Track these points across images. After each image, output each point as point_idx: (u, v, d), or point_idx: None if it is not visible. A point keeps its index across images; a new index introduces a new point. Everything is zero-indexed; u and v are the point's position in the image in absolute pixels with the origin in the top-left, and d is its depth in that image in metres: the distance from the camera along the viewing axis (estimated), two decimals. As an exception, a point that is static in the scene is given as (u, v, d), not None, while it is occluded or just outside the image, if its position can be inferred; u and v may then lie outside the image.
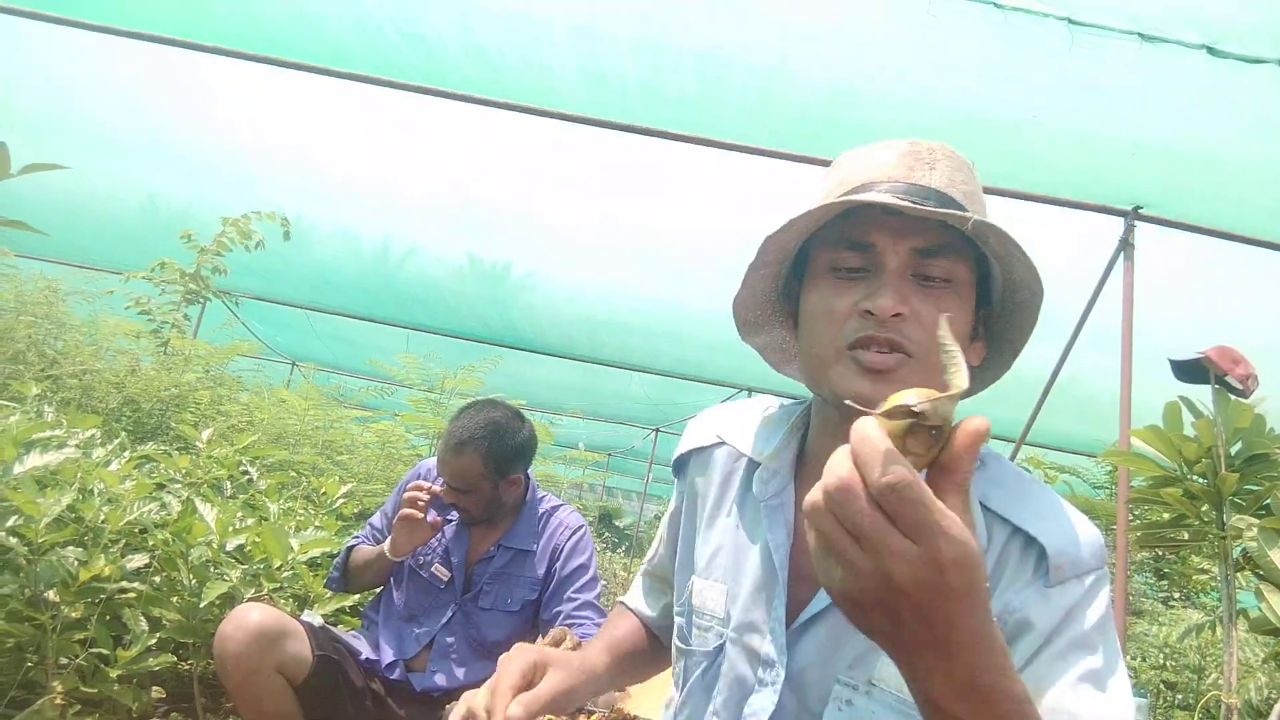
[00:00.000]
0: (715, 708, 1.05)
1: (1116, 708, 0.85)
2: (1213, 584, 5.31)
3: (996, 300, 1.05)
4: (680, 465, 1.26)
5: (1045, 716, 0.82)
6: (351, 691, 2.27)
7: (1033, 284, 0.98)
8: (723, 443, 1.20)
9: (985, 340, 1.07)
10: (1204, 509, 3.03)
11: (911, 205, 0.92)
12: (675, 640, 1.17)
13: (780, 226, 0.98)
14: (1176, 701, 4.21)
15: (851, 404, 0.71)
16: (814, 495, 0.63)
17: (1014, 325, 1.04)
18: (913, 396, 0.64)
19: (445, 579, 2.52)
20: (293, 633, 2.14)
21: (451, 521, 2.59)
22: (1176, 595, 5.81)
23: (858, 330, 0.95)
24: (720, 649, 1.07)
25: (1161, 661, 4.30)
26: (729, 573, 1.11)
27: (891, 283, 0.94)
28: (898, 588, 0.60)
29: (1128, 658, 3.93)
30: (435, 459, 2.64)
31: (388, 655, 2.45)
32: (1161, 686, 4.24)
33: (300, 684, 2.13)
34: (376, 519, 2.79)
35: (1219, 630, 4.02)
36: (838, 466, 0.62)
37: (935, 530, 0.59)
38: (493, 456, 2.44)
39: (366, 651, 2.44)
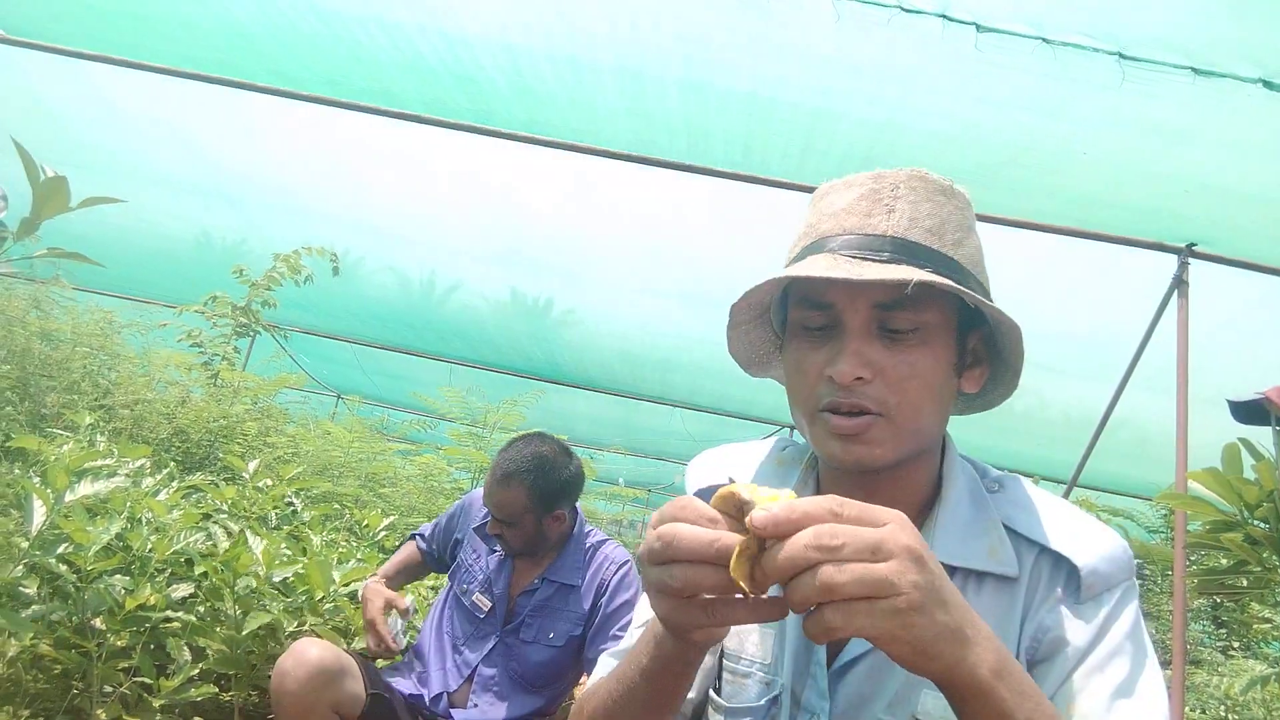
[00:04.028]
0: None
1: (1148, 710, 0.87)
2: (1275, 633, 5.11)
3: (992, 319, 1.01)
4: None
5: None
6: None
7: (1001, 322, 0.95)
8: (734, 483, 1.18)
9: (988, 361, 1.04)
10: (1266, 555, 2.92)
11: (848, 272, 0.89)
12: (710, 694, 1.10)
13: (740, 297, 1.00)
14: (1239, 757, 4.04)
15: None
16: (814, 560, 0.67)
17: (1008, 343, 1.00)
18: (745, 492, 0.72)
19: (486, 609, 2.51)
20: (350, 671, 2.14)
21: (496, 552, 2.59)
22: (1236, 644, 5.60)
23: (826, 395, 0.95)
24: (774, 701, 1.02)
25: (1223, 715, 4.13)
26: None
27: (851, 345, 0.93)
28: (919, 554, 0.67)
29: (1187, 709, 3.78)
30: (481, 490, 2.66)
31: (435, 687, 2.44)
32: (1223, 741, 4.08)
33: None
34: (427, 528, 2.81)
35: (1284, 683, 3.87)
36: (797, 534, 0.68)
37: (877, 514, 0.69)
38: (538, 491, 2.43)
39: (410, 688, 2.43)
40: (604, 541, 2.65)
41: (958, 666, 0.70)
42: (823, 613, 0.66)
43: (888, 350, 0.94)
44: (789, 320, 1.03)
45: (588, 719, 1.00)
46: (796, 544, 0.66)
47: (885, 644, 0.67)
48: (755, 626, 1.06)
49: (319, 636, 2.65)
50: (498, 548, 2.58)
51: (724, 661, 1.08)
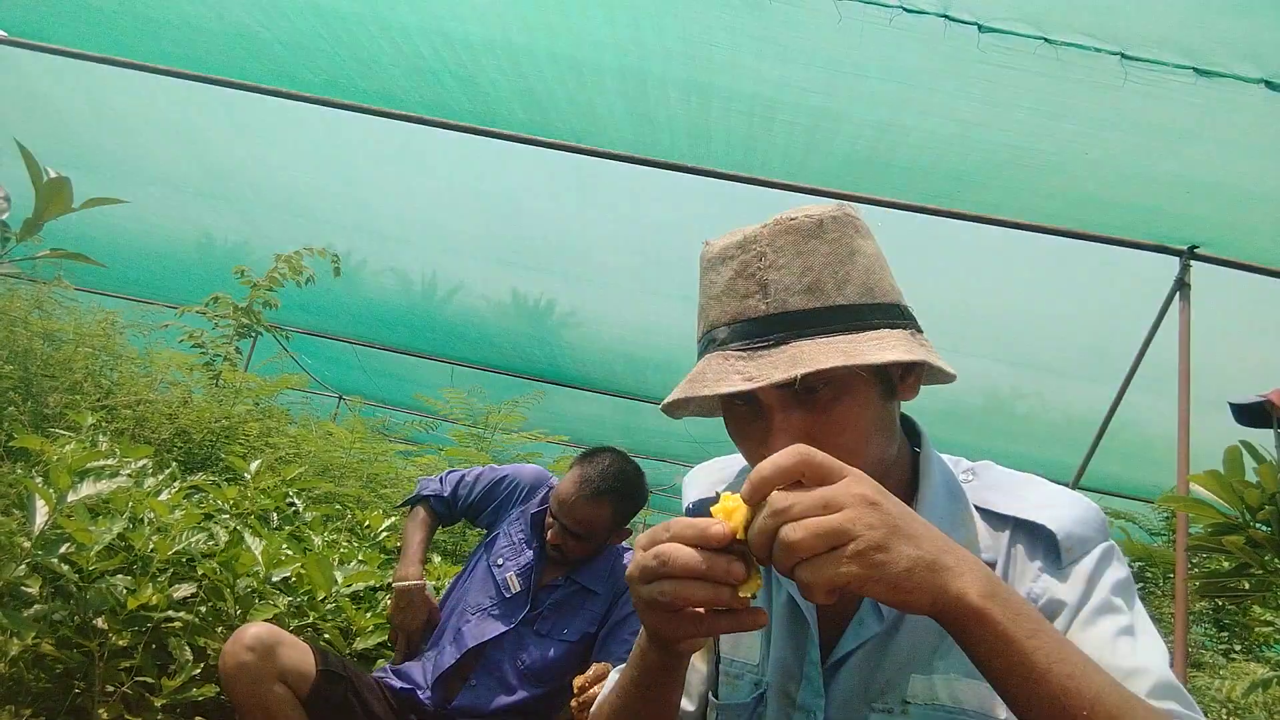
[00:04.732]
0: None
1: (1152, 653, 0.89)
2: (1276, 636, 5.10)
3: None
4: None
5: None
6: (367, 714, 2.27)
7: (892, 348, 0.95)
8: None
9: (918, 364, 1.03)
10: (1268, 558, 2.92)
11: (736, 384, 0.91)
12: (709, 697, 1.15)
13: (661, 405, 1.03)
14: (1241, 760, 4.03)
15: None
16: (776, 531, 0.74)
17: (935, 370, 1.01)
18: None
19: (514, 590, 2.52)
20: (291, 644, 2.17)
21: (535, 546, 2.59)
22: (1238, 648, 5.58)
23: None
24: (760, 699, 1.06)
25: (1225, 718, 4.13)
26: None
27: (775, 425, 0.95)
28: (875, 499, 0.73)
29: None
30: (537, 473, 2.77)
31: (442, 666, 2.44)
32: (1226, 744, 4.07)
33: (306, 697, 2.14)
34: (446, 489, 2.82)
35: (1287, 685, 3.86)
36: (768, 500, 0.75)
37: (832, 472, 0.75)
38: (622, 513, 2.48)
39: (400, 683, 2.44)
40: (628, 550, 2.66)
41: (943, 595, 0.73)
42: (796, 574, 0.72)
43: (811, 413, 0.95)
44: (722, 399, 1.04)
45: None
46: (759, 518, 0.74)
47: (863, 588, 0.72)
48: (747, 634, 1.10)
49: (321, 635, 2.66)
50: (535, 542, 2.59)
51: (720, 665, 1.12)
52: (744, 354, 0.95)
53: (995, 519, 1.01)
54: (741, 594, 0.77)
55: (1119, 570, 0.96)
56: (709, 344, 1.00)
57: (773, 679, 1.04)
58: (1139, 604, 0.96)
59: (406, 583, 2.62)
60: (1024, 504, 1.00)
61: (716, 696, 1.11)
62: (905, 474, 1.07)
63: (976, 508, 1.03)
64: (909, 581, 0.72)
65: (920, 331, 1.02)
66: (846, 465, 0.76)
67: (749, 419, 1.00)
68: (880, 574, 0.71)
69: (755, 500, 0.76)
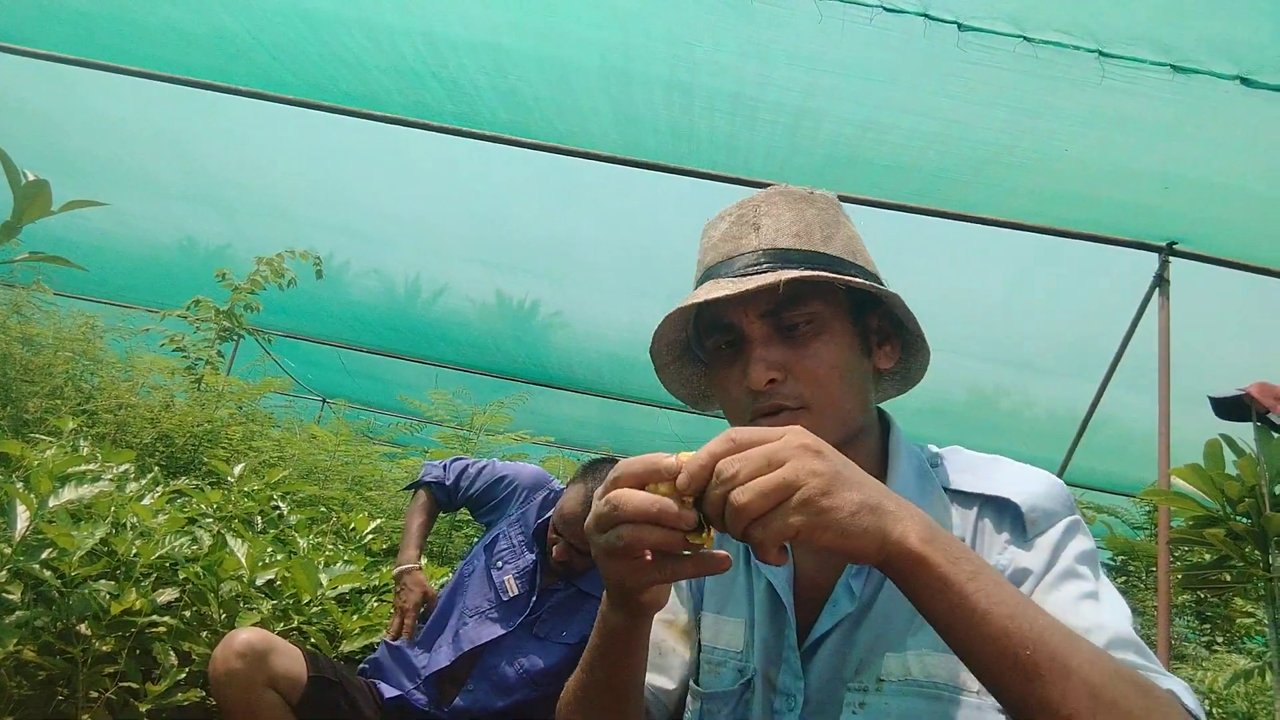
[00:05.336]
0: None
1: (1114, 614, 0.92)
2: (1258, 627, 5.15)
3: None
4: None
5: None
6: (359, 719, 2.26)
7: (881, 294, 1.02)
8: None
9: (896, 337, 1.11)
10: (1248, 550, 2.96)
11: (725, 289, 0.97)
12: (690, 684, 1.16)
13: (652, 340, 1.12)
14: (1224, 751, 4.07)
15: None
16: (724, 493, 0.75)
17: (903, 313, 1.06)
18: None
19: (512, 594, 2.52)
20: (283, 651, 2.17)
21: (535, 553, 2.59)
22: (1220, 639, 5.64)
23: (751, 405, 1.02)
24: (748, 685, 1.07)
25: (1208, 709, 4.16)
26: (742, 608, 1.12)
27: (755, 353, 1.01)
28: (815, 449, 0.75)
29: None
30: (540, 475, 2.80)
31: (437, 665, 2.44)
32: (1208, 734, 4.11)
33: (297, 704, 2.14)
34: (449, 476, 2.84)
35: (1268, 677, 3.90)
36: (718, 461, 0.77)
37: (771, 431, 0.77)
38: None
39: (392, 690, 2.43)
40: None
41: (886, 540, 0.74)
42: (749, 535, 0.74)
43: (790, 348, 1.01)
44: (707, 351, 1.11)
45: (561, 707, 1.06)
46: (710, 490, 0.75)
47: (812, 537, 0.73)
48: (728, 620, 1.13)
49: (307, 638, 2.65)
50: (536, 548, 2.59)
51: (702, 653, 1.14)
52: (732, 279, 1.02)
53: (963, 498, 1.05)
54: (693, 541, 0.78)
55: (1084, 542, 0.99)
56: (703, 282, 1.08)
57: (759, 665, 1.06)
58: (1104, 575, 0.99)
59: (403, 566, 2.68)
60: (990, 481, 1.04)
61: (699, 684, 1.12)
62: (876, 455, 1.11)
63: (945, 489, 1.06)
64: (855, 525, 0.73)
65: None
66: (778, 428, 0.78)
67: (732, 359, 1.05)
68: (826, 520, 0.73)
69: (694, 489, 0.76)
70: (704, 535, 0.78)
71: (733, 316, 1.03)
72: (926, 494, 1.05)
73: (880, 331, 1.09)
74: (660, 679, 1.15)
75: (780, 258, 1.02)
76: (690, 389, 1.23)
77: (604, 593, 0.94)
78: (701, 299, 0.98)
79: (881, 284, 1.04)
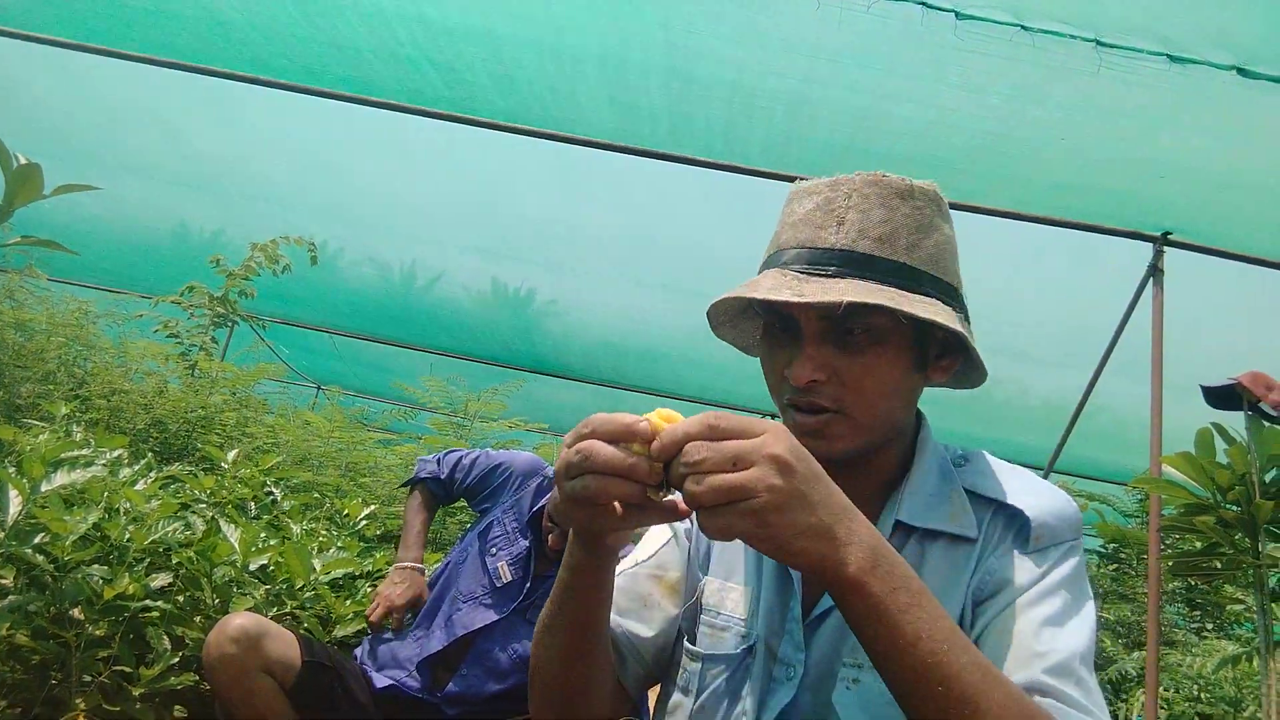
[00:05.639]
0: (745, 709, 1.06)
1: (1069, 642, 0.93)
2: (1247, 614, 5.18)
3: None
4: None
5: (1014, 655, 0.93)
6: (352, 703, 2.27)
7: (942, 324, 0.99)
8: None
9: (959, 351, 1.09)
10: (1238, 537, 2.97)
11: (787, 295, 0.95)
12: (685, 644, 1.16)
13: (710, 305, 1.10)
14: (1212, 736, 4.10)
15: None
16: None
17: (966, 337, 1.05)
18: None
19: (505, 581, 2.52)
20: (276, 635, 2.18)
21: (529, 539, 2.60)
22: (1210, 626, 5.68)
23: (788, 392, 1.03)
24: (749, 651, 1.08)
25: (1196, 694, 4.20)
26: (750, 576, 1.13)
27: (806, 350, 1.00)
28: (785, 462, 0.75)
29: (1160, 689, 3.84)
30: (534, 462, 2.79)
31: (430, 650, 2.45)
32: (1196, 719, 4.14)
33: (292, 688, 2.14)
34: (443, 470, 2.85)
35: (1255, 662, 3.93)
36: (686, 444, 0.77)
37: (753, 427, 0.77)
38: None
39: (384, 679, 2.44)
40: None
41: (824, 563, 0.77)
42: (699, 516, 0.77)
43: (842, 352, 1.00)
44: (763, 320, 1.10)
45: (534, 645, 1.09)
46: (675, 464, 0.77)
47: (751, 541, 0.77)
48: (733, 587, 1.14)
49: (300, 623, 2.65)
50: (530, 534, 2.60)
51: (702, 615, 1.14)
52: (801, 276, 0.99)
53: (980, 501, 1.06)
54: (652, 497, 0.81)
55: (1075, 565, 1.01)
56: (771, 262, 1.06)
57: (762, 633, 1.08)
58: (1085, 589, 1.01)
59: (406, 564, 2.68)
60: (1009, 490, 1.05)
61: (696, 645, 1.13)
62: (902, 454, 1.11)
63: (964, 489, 1.07)
64: (794, 546, 0.76)
65: (969, 322, 1.07)
66: (764, 421, 0.79)
67: (782, 344, 1.04)
68: (768, 533, 0.75)
69: (663, 459, 0.78)
70: (664, 493, 0.81)
71: (791, 308, 1.01)
72: (945, 491, 1.07)
73: (945, 344, 1.08)
74: (639, 626, 1.16)
75: (855, 264, 0.99)
76: (746, 339, 1.23)
77: (570, 531, 0.96)
78: (761, 295, 0.97)
79: (958, 299, 1.05)
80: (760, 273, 1.07)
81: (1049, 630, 0.94)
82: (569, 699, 1.09)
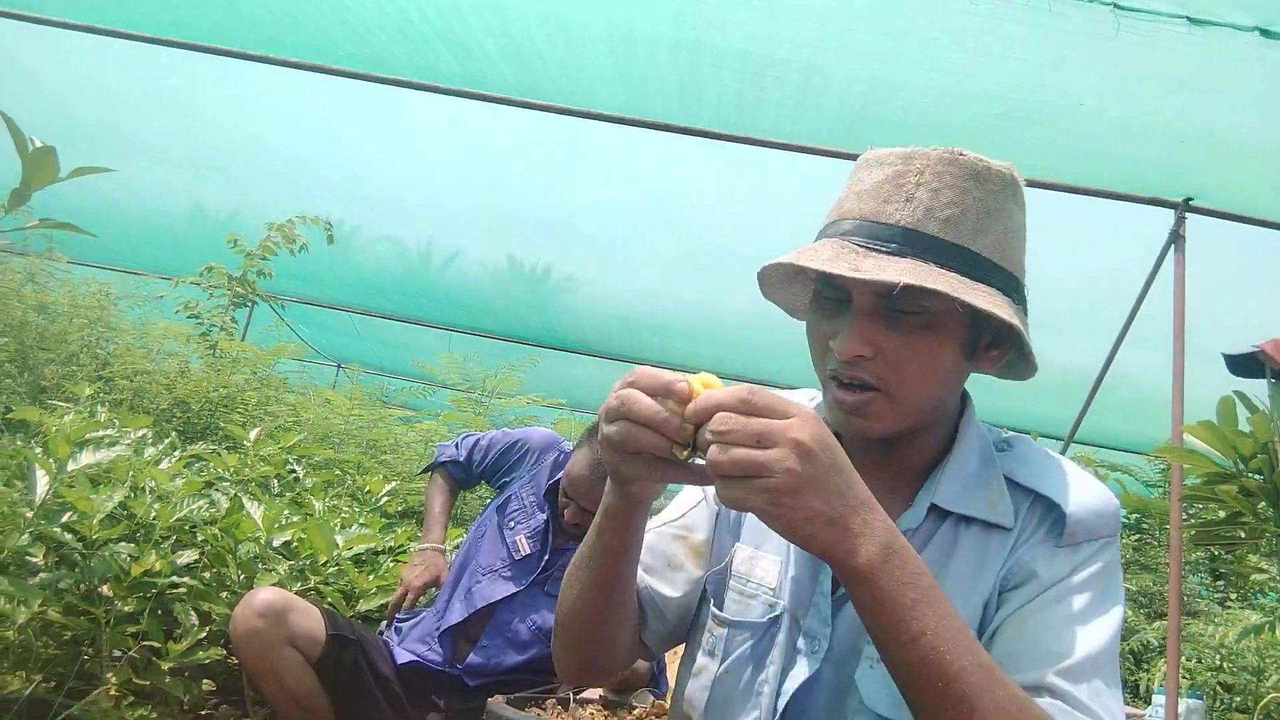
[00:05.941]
0: (767, 677, 1.06)
1: (1090, 640, 0.93)
2: (1271, 584, 5.16)
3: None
4: None
5: (1028, 653, 0.93)
6: (376, 676, 2.31)
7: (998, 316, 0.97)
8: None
9: (1011, 342, 1.06)
10: (1261, 506, 2.95)
11: (844, 268, 0.93)
12: (709, 607, 1.16)
13: (760, 269, 1.08)
14: (1234, 704, 4.09)
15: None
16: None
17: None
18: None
19: (524, 553, 2.56)
20: (301, 609, 2.23)
21: (546, 512, 2.63)
22: (1233, 595, 5.65)
23: (832, 363, 1.01)
24: (776, 620, 1.09)
25: (1218, 663, 4.19)
26: (781, 546, 1.12)
27: (855, 323, 0.98)
28: (806, 448, 0.76)
29: (1183, 658, 3.83)
30: (549, 436, 2.85)
31: (449, 621, 2.48)
32: (1219, 689, 4.13)
33: (317, 661, 2.18)
34: (461, 453, 2.87)
35: (1278, 631, 3.91)
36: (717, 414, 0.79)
37: (785, 408, 0.79)
38: None
39: (407, 655, 2.47)
40: None
41: (833, 551, 0.79)
42: (717, 483, 0.79)
43: (891, 330, 0.97)
44: (815, 285, 1.07)
45: (563, 588, 1.10)
46: (704, 430, 0.80)
47: (762, 518, 0.79)
48: (764, 556, 1.13)
49: (324, 598, 2.69)
50: (547, 508, 2.63)
51: (731, 581, 1.14)
52: (860, 249, 0.97)
53: (1019, 489, 1.05)
54: (678, 455, 0.84)
55: (1107, 562, 1.00)
56: (831, 230, 1.03)
57: (789, 604, 1.08)
58: (1116, 588, 1.00)
59: (426, 546, 2.73)
60: (1046, 482, 1.04)
61: (723, 610, 1.13)
62: (943, 436, 1.10)
63: (1004, 476, 1.06)
64: (803, 530, 0.78)
65: (1026, 315, 1.04)
66: (796, 404, 0.80)
67: (832, 314, 1.02)
68: (778, 514, 0.78)
69: (698, 420, 0.81)
70: (688, 453, 0.84)
71: (847, 280, 0.98)
72: (984, 476, 1.06)
73: (995, 334, 1.05)
74: (663, 585, 1.17)
75: (918, 246, 0.96)
76: (795, 301, 1.20)
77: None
78: (818, 266, 0.94)
79: (1019, 290, 1.03)
80: (819, 239, 1.04)
81: (1068, 629, 0.94)
82: (589, 645, 1.11)
